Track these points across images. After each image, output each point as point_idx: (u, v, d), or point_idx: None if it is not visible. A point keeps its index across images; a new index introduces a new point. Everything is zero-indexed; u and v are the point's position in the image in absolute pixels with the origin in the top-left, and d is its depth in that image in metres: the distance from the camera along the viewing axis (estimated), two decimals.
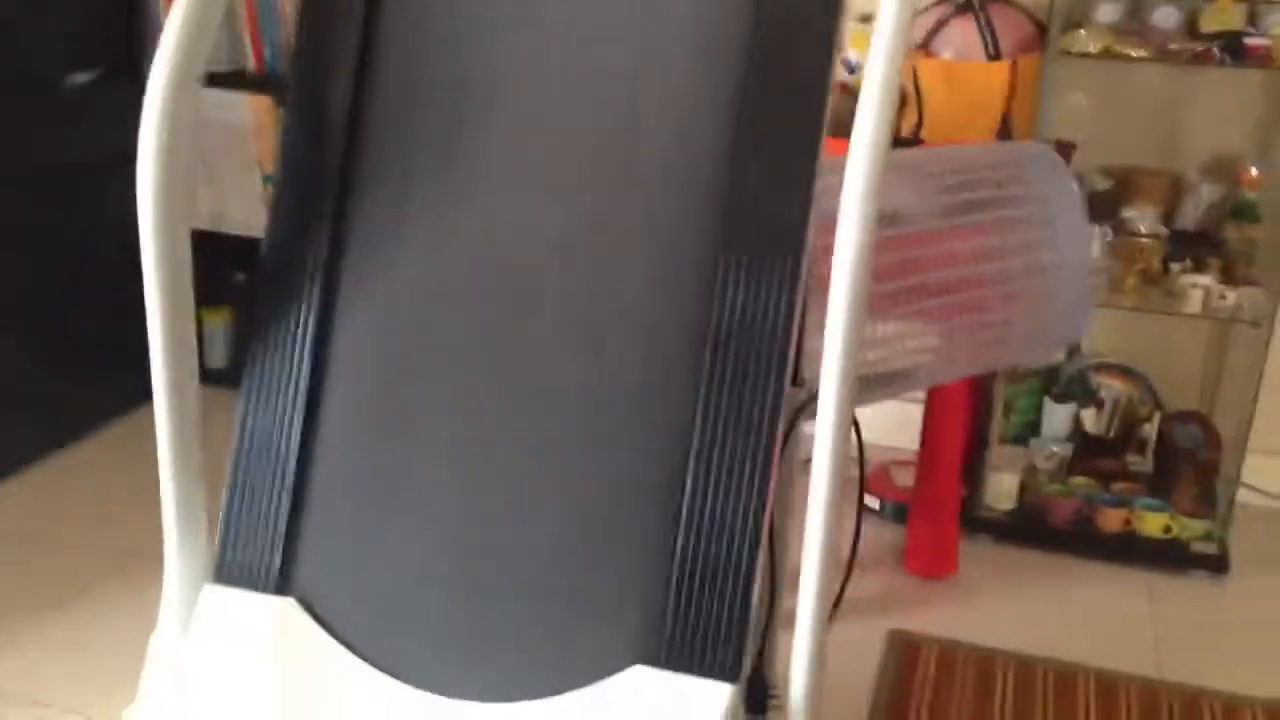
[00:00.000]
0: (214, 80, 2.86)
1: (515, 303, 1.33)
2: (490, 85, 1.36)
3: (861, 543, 2.39)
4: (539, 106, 1.35)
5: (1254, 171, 2.36)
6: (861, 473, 1.64)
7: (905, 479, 2.57)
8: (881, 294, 1.73)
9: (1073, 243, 1.90)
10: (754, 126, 1.32)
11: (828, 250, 1.19)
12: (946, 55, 2.39)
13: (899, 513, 2.52)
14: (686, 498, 1.28)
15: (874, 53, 1.15)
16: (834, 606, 1.65)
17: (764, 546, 1.28)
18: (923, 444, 2.34)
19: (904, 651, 2.11)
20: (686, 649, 1.26)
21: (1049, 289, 1.89)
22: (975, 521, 2.48)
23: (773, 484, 1.29)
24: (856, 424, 1.64)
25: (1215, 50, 2.18)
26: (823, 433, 1.21)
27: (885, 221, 1.75)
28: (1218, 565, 2.38)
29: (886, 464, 2.67)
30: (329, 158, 1.38)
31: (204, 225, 2.85)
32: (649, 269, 1.33)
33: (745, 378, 1.30)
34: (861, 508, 1.66)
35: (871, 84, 1.16)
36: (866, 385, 1.78)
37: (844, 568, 1.68)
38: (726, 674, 1.24)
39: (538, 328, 1.32)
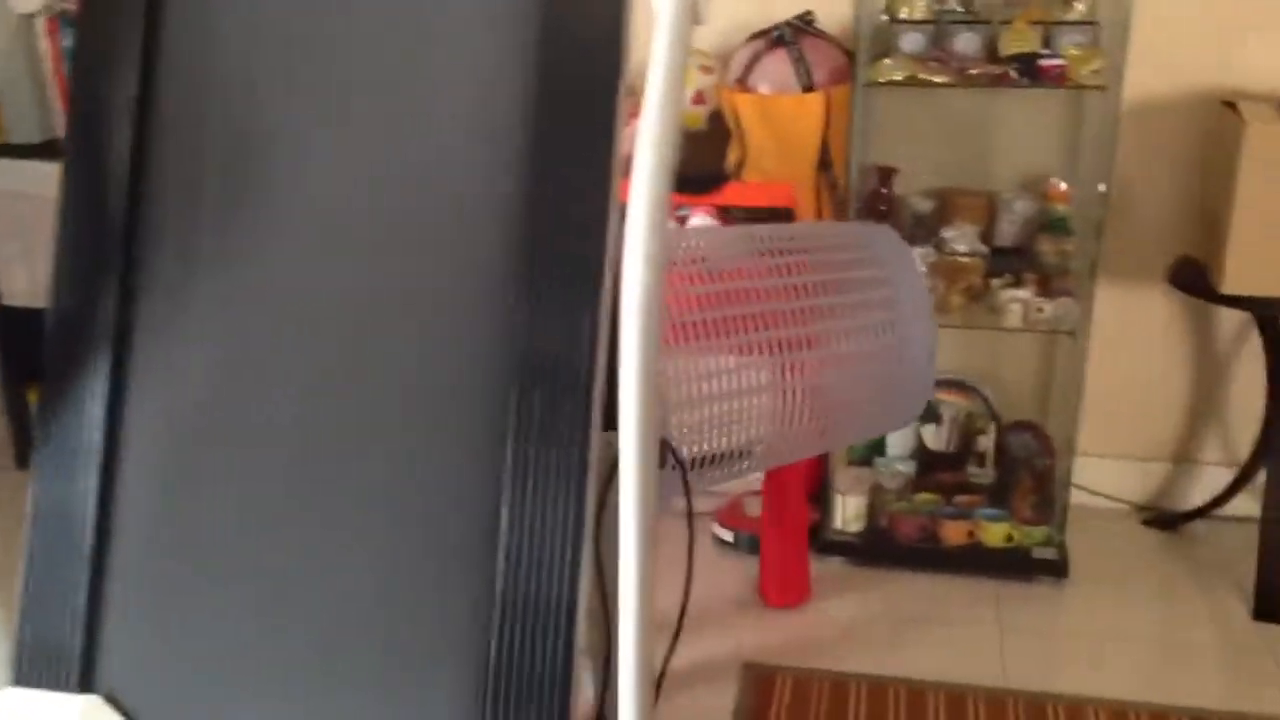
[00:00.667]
0: (27, 152, 2.77)
1: (310, 360, 1.30)
2: (275, 139, 1.33)
3: (704, 573, 2.41)
4: (327, 160, 1.33)
5: (1062, 186, 2.45)
6: (690, 506, 1.64)
7: (757, 509, 2.58)
8: (702, 322, 1.74)
9: (915, 306, 1.94)
10: (545, 172, 1.31)
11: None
12: (763, 89, 2.43)
13: (753, 544, 2.53)
14: (501, 548, 1.26)
15: (649, 91, 1.16)
16: (674, 641, 1.64)
17: (586, 591, 1.27)
18: (767, 474, 2.35)
19: (758, 683, 2.11)
20: (509, 706, 1.24)
21: (893, 349, 1.92)
22: (827, 545, 2.51)
23: (587, 529, 1.28)
24: (681, 462, 1.64)
25: (1012, 72, 2.26)
26: (626, 474, 1.20)
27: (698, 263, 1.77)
28: (1058, 570, 2.44)
29: (739, 496, 2.69)
30: (112, 218, 1.33)
31: (21, 302, 2.74)
32: (444, 318, 1.31)
33: (552, 425, 1.29)
34: (693, 542, 1.65)
35: (649, 122, 1.16)
36: (718, 462, 1.78)
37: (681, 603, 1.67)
38: (553, 714, 1.22)
39: (333, 387, 1.29)
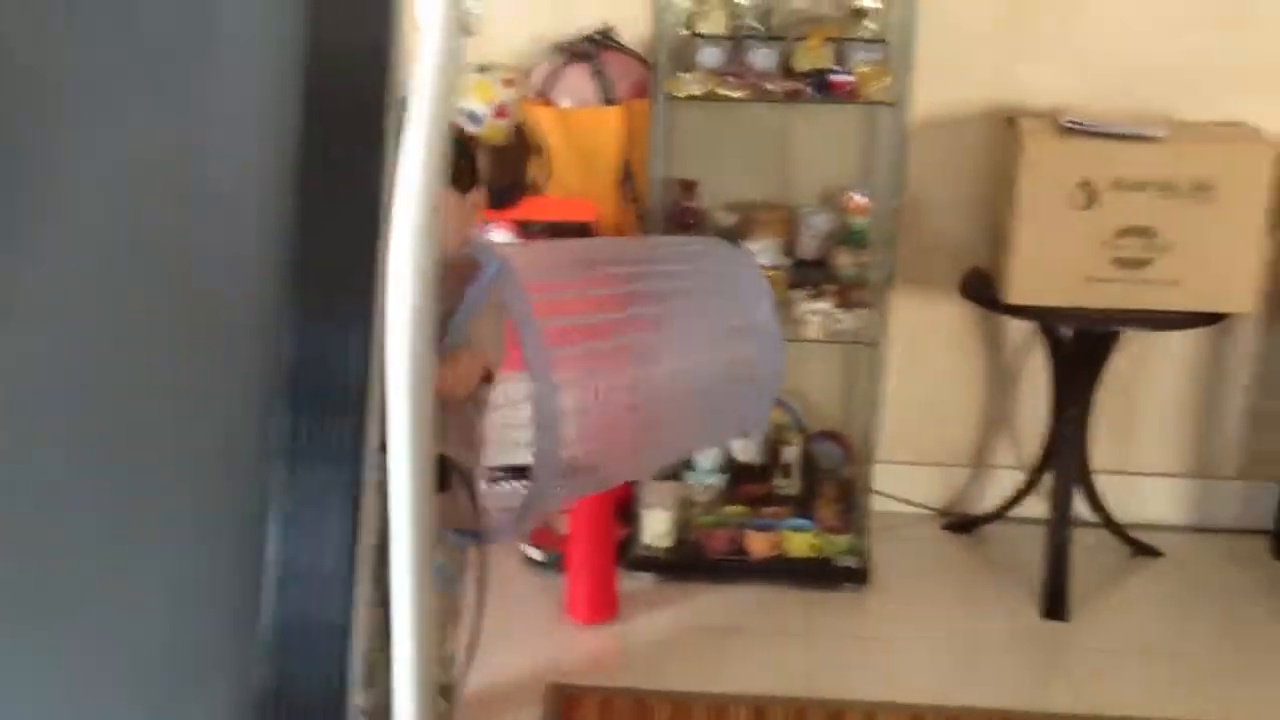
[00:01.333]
0: None
1: (63, 377, 1.21)
2: (26, 141, 1.24)
3: (513, 593, 2.37)
4: (80, 169, 1.24)
5: (860, 200, 2.51)
6: (479, 525, 1.60)
7: (567, 527, 2.56)
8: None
9: (759, 320, 1.94)
10: (313, 188, 1.26)
11: None
12: (564, 103, 2.41)
13: (562, 562, 2.50)
14: (271, 572, 1.20)
15: (416, 103, 1.11)
16: (467, 663, 1.60)
17: (362, 615, 1.22)
18: None
19: (562, 704, 2.08)
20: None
21: (739, 361, 1.91)
22: (635, 561, 2.50)
23: (362, 549, 1.23)
24: (469, 481, 1.60)
25: (806, 88, 2.30)
26: (398, 493, 1.16)
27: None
28: (860, 577, 2.49)
29: (550, 514, 2.65)
30: None
31: None
32: (206, 336, 1.25)
33: (323, 444, 1.24)
34: (484, 561, 1.61)
35: (415, 134, 1.12)
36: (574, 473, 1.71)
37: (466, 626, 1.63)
38: None
39: (85, 403, 1.21)
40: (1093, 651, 2.33)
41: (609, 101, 2.38)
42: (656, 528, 2.50)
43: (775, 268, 2.46)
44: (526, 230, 2.25)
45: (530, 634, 2.32)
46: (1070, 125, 2.36)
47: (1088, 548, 2.56)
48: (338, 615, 1.21)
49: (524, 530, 1.75)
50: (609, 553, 2.35)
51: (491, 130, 2.49)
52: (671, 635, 2.29)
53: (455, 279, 1.62)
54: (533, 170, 2.44)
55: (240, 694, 1.18)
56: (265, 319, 1.24)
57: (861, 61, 2.36)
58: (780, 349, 1.96)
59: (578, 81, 2.41)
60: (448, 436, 1.63)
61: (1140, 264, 2.35)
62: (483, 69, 2.51)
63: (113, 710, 1.17)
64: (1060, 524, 2.46)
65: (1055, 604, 2.42)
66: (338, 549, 1.22)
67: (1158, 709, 2.13)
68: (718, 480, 2.62)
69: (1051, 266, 2.36)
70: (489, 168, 2.61)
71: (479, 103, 2.48)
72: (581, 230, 2.24)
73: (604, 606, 2.34)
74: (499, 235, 2.20)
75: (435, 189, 1.13)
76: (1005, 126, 2.49)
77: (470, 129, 2.50)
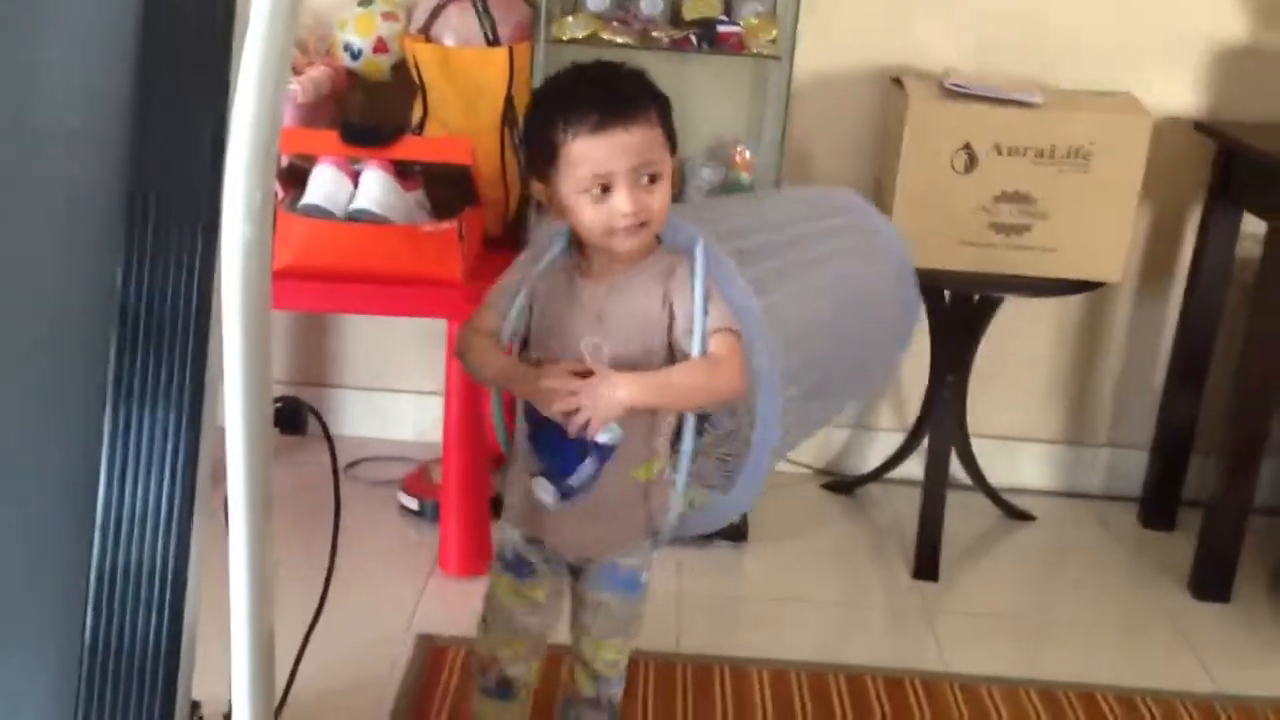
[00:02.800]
0: None
1: None
2: None
3: (385, 543, 2.32)
4: None
5: (746, 154, 2.48)
6: (335, 476, 1.54)
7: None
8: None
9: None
10: (150, 120, 1.19)
11: None
12: (447, 41, 2.34)
13: (438, 512, 2.45)
14: (99, 517, 1.14)
15: (252, 34, 1.04)
16: (316, 615, 1.54)
17: (197, 562, 1.16)
18: (446, 441, 2.28)
19: (429, 656, 2.04)
20: (109, 686, 1.12)
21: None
22: None
23: (199, 494, 1.17)
24: (322, 422, 1.54)
25: (693, 37, 2.26)
26: (232, 436, 1.10)
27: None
28: (738, 534, 2.48)
29: (427, 463, 2.60)
30: None
31: None
32: (36, 271, 1.17)
33: (154, 385, 1.17)
34: (339, 504, 1.54)
35: (250, 67, 1.05)
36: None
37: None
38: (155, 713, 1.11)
39: None
40: (960, 613, 2.35)
41: (493, 42, 2.31)
42: None
43: None
44: (403, 170, 2.17)
45: (401, 584, 2.27)
46: (953, 88, 2.36)
47: (962, 510, 2.59)
48: (170, 560, 1.16)
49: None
50: (483, 506, 2.30)
51: (370, 65, 2.41)
52: None
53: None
54: (414, 109, 2.36)
55: (68, 643, 1.12)
56: (102, 258, 1.17)
57: (750, 13, 2.32)
58: (916, 312, 1.95)
59: (461, 20, 2.33)
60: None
61: (1017, 230, 2.37)
62: (364, 2, 2.42)
63: None
64: (935, 486, 2.48)
65: (926, 564, 2.44)
66: (170, 493, 1.16)
67: (1022, 670, 2.16)
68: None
69: (931, 228, 2.36)
70: (370, 105, 2.53)
71: (358, 36, 2.39)
72: (458, 172, 2.17)
73: (477, 559, 2.29)
74: (372, 174, 2.12)
75: (272, 126, 1.07)
76: (891, 86, 2.48)
77: (350, 64, 2.41)
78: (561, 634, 1.72)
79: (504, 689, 1.69)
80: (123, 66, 1.18)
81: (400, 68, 2.42)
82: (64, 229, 1.20)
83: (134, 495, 1.16)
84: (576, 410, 1.46)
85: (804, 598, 2.37)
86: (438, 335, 2.57)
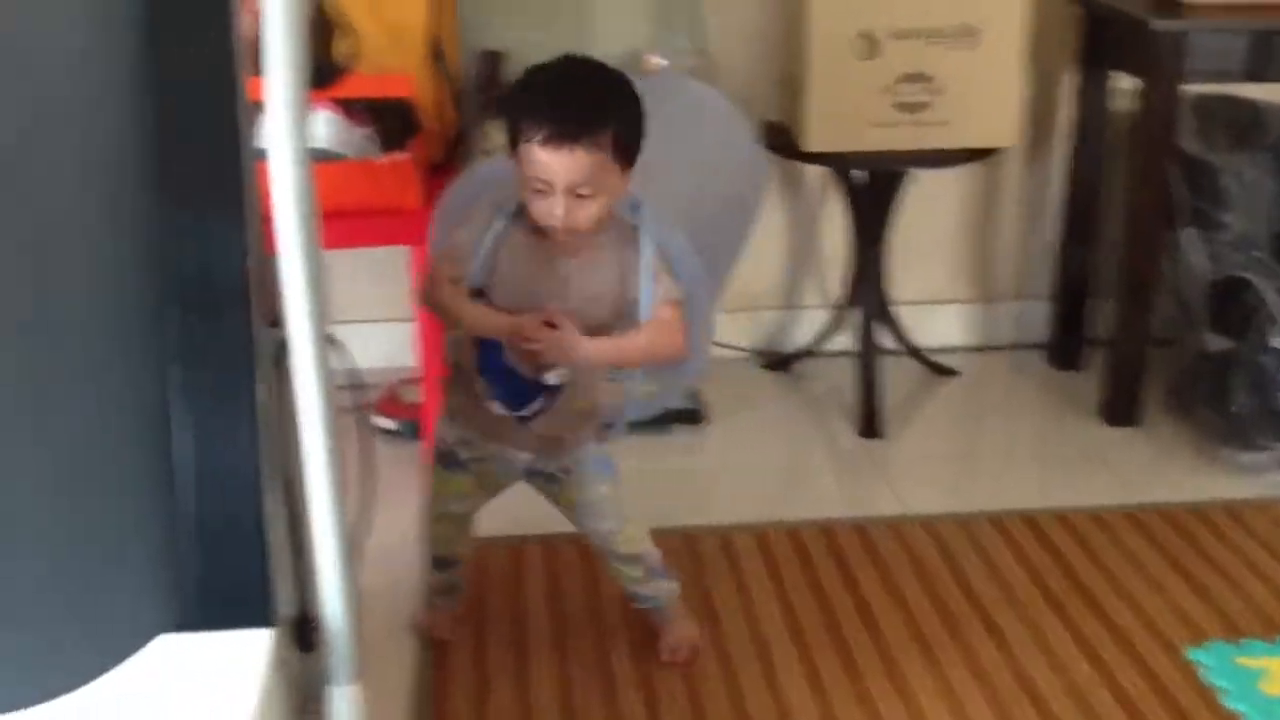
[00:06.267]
0: None
1: None
2: None
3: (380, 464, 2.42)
4: None
5: (658, 61, 2.60)
6: (357, 392, 1.66)
7: (414, 396, 2.62)
8: None
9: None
10: (165, 72, 1.26)
11: None
12: None
13: (416, 429, 2.56)
14: (175, 455, 1.24)
15: None
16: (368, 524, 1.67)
17: (271, 486, 1.27)
18: (425, 356, 2.39)
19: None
20: (211, 605, 1.23)
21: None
22: None
23: (261, 424, 1.27)
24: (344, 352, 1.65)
25: None
26: (303, 364, 1.22)
27: None
28: (696, 418, 2.66)
29: (393, 385, 2.70)
30: None
31: None
32: (81, 226, 1.25)
33: (211, 324, 1.26)
34: (366, 432, 1.67)
35: (274, 17, 1.14)
36: None
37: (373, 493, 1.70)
38: (260, 620, 1.23)
39: None
40: (906, 461, 2.58)
41: None
42: None
43: None
44: (348, 108, 2.25)
45: (400, 498, 2.37)
46: None
47: (892, 372, 2.80)
48: (253, 511, 1.27)
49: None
50: None
51: None
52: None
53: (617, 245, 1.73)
54: (341, 49, 2.42)
55: (165, 589, 1.22)
56: (137, 215, 1.25)
57: None
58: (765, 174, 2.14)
59: None
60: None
61: (919, 108, 2.55)
62: None
63: (26, 594, 1.20)
64: (867, 353, 2.69)
65: (870, 424, 2.66)
66: (244, 449, 1.26)
67: (967, 503, 2.40)
68: None
69: (841, 114, 2.53)
70: None
71: None
72: (400, 106, 2.26)
73: None
74: (323, 114, 2.20)
75: (304, 71, 1.17)
76: None
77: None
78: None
79: (441, 564, 2.02)
80: (132, 32, 1.25)
81: (321, 7, 2.47)
82: (105, 197, 1.26)
83: (205, 444, 1.26)
84: (537, 352, 1.71)
85: (766, 466, 2.57)
86: (384, 266, 2.67)
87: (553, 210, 1.65)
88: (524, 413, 1.80)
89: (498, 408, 1.80)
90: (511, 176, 1.71)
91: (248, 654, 1.20)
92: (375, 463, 1.63)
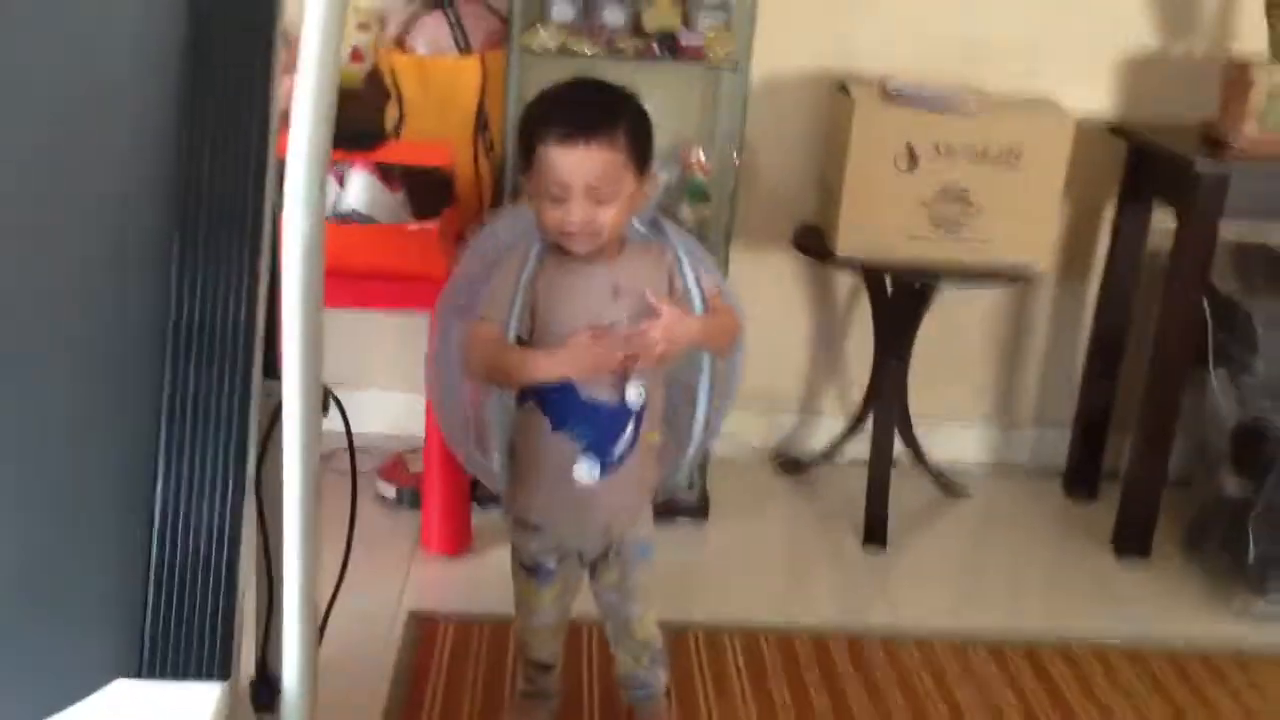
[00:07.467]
0: None
1: None
2: None
3: (367, 529, 2.42)
4: None
5: (702, 157, 2.64)
6: (352, 455, 1.66)
7: (419, 466, 2.63)
8: None
9: None
10: (199, 122, 1.29)
11: None
12: (421, 51, 2.46)
13: (415, 498, 2.58)
14: (158, 502, 1.25)
15: (306, 41, 1.16)
16: (334, 593, 1.67)
17: (248, 541, 1.28)
18: (430, 426, 2.40)
19: (420, 630, 2.17)
20: (169, 654, 1.23)
21: None
22: (489, 497, 2.58)
23: (248, 478, 1.28)
24: (342, 410, 1.66)
25: (655, 47, 2.41)
26: (291, 423, 1.23)
27: None
28: (699, 512, 2.64)
29: (401, 453, 2.72)
30: None
31: None
32: (89, 272, 1.27)
33: (210, 375, 1.28)
34: (355, 490, 1.68)
35: (307, 72, 1.17)
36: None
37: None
38: (215, 673, 1.22)
39: None
40: (908, 575, 2.55)
41: (465, 51, 2.45)
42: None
43: None
44: (386, 173, 2.30)
45: (389, 567, 2.39)
46: (895, 92, 2.54)
47: (904, 486, 2.78)
48: (224, 565, 1.27)
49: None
50: (463, 488, 2.44)
51: (345, 74, 2.52)
52: None
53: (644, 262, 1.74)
54: (389, 115, 2.48)
55: (129, 632, 1.22)
56: (153, 255, 1.27)
57: (708, 24, 2.48)
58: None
59: (435, 30, 2.46)
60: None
61: (955, 224, 2.56)
62: None
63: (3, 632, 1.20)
64: (880, 461, 2.67)
65: (875, 533, 2.64)
66: (225, 502, 1.27)
67: (965, 622, 2.36)
68: None
69: (876, 223, 2.54)
70: (345, 112, 2.64)
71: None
72: (438, 174, 2.31)
73: (459, 539, 2.43)
74: (359, 176, 2.25)
75: (328, 128, 1.19)
76: (837, 91, 2.66)
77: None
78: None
79: (541, 668, 1.96)
80: (171, 78, 1.29)
81: (372, 75, 2.54)
82: (115, 244, 1.28)
83: (188, 484, 1.26)
84: (634, 361, 1.67)
85: (765, 567, 2.54)
86: (403, 333, 2.70)
87: (569, 215, 1.62)
88: (616, 453, 1.72)
89: (583, 470, 1.71)
90: (529, 224, 1.71)
91: (199, 705, 1.19)
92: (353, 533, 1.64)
